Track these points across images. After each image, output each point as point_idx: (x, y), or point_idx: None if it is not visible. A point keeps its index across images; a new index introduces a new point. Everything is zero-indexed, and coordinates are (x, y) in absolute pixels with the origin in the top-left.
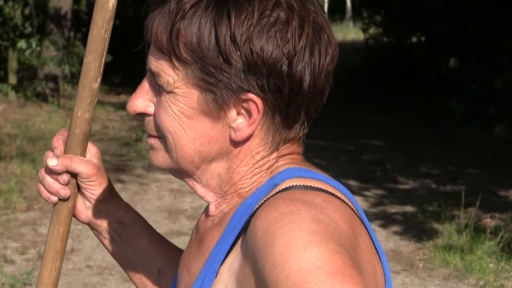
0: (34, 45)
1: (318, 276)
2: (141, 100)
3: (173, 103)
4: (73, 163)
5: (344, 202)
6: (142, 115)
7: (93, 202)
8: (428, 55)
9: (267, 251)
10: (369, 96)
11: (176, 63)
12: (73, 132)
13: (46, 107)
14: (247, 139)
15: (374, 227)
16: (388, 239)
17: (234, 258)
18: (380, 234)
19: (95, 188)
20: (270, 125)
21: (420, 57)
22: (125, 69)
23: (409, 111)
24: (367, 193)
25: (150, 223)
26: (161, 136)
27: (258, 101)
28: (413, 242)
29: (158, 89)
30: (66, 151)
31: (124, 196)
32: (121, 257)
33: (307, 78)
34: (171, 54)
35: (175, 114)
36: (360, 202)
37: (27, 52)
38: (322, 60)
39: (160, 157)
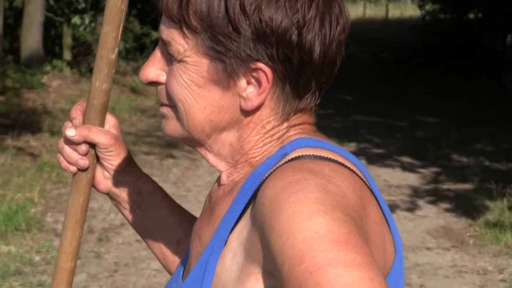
0: (87, 21)
1: (322, 244)
2: (153, 69)
3: (184, 71)
4: (91, 133)
5: (354, 172)
6: (154, 84)
7: (111, 172)
8: (485, 31)
9: (273, 219)
10: (425, 73)
11: (186, 32)
12: (91, 102)
13: None
14: (257, 108)
15: (425, 203)
16: (438, 216)
17: (243, 226)
18: (431, 210)
19: (113, 159)
20: (280, 95)
21: (477, 33)
22: None
23: (464, 88)
24: (420, 169)
25: (201, 198)
26: (173, 105)
27: (267, 70)
28: (464, 219)
29: (170, 58)
30: (84, 122)
31: (176, 171)
32: (141, 227)
33: (317, 48)
34: (181, 22)
35: (186, 82)
36: (412, 179)
37: (81, 28)
38: (333, 30)
39: (172, 126)
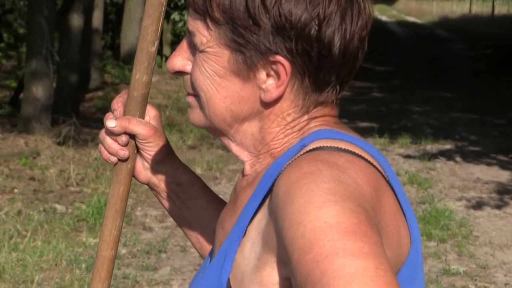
0: (187, 17)
1: (331, 234)
2: (180, 59)
3: (206, 61)
4: (131, 125)
5: (371, 163)
6: (180, 73)
7: (151, 163)
8: None
9: (286, 209)
10: None
11: (209, 23)
12: (131, 94)
13: None
14: (277, 100)
15: None
16: None
17: (262, 217)
18: None
19: (152, 149)
20: (300, 88)
21: None
22: None
23: None
24: None
25: None
26: (197, 94)
27: (286, 63)
28: None
29: (195, 49)
30: (125, 113)
31: None
32: (179, 217)
33: (336, 43)
34: (205, 14)
35: (208, 72)
36: (506, 177)
37: (180, 24)
38: (354, 25)
39: (196, 115)
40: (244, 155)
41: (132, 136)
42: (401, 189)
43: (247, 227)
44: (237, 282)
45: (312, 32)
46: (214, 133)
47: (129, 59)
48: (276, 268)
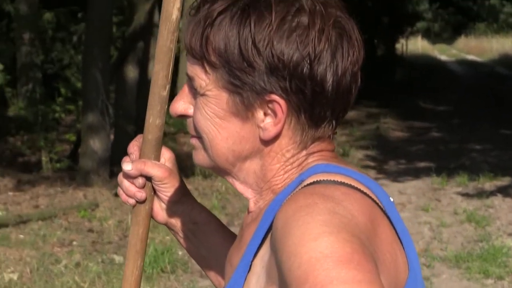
0: None
1: (325, 264)
2: (182, 103)
3: (206, 104)
4: (146, 167)
5: (367, 194)
6: (183, 117)
7: (167, 203)
8: None
9: (284, 242)
10: None
11: (207, 67)
12: (146, 138)
13: None
14: (276, 138)
15: None
16: None
17: (265, 251)
18: None
19: (168, 190)
20: (297, 124)
21: None
22: None
23: None
24: None
25: None
26: (199, 136)
27: (282, 102)
28: None
29: (195, 92)
30: (140, 156)
31: None
32: (197, 255)
33: (329, 79)
34: (202, 59)
35: (208, 115)
36: None
37: None
38: (345, 61)
39: (200, 156)
40: (248, 192)
41: (149, 178)
42: (398, 219)
43: (251, 262)
44: None
45: (304, 70)
46: (218, 172)
47: None
48: None
